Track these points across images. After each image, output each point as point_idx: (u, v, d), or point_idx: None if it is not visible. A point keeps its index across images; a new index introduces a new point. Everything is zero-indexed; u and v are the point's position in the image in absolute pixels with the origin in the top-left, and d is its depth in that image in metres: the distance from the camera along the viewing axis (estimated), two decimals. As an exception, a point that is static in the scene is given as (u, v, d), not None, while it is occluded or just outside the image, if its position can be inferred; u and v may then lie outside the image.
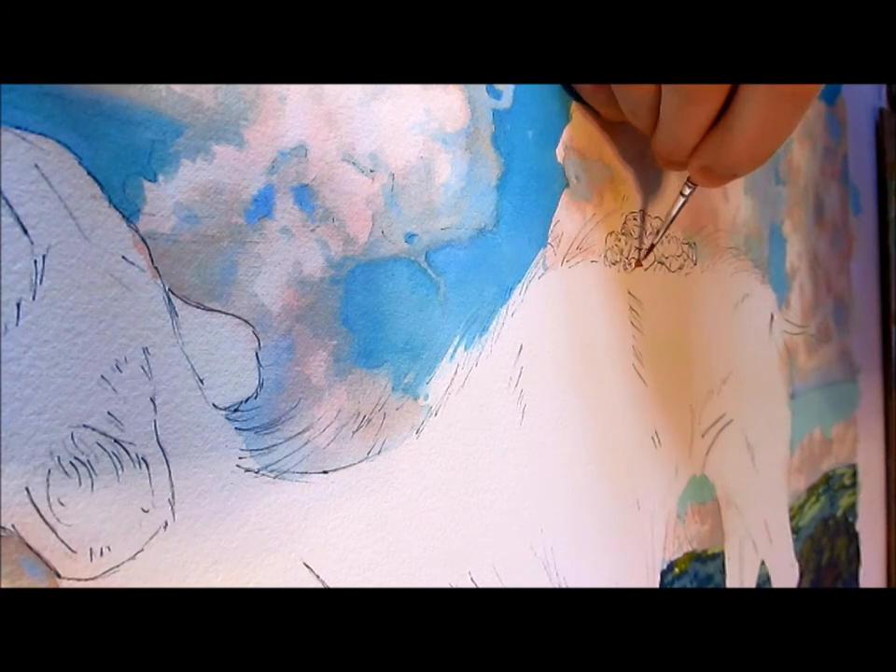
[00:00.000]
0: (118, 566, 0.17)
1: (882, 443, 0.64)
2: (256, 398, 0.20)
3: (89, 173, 0.17)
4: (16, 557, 0.16)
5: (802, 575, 0.49)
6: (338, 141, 0.22)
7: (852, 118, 0.59)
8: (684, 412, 0.38)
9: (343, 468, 0.22)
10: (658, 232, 0.34)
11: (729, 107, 0.27)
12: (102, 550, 0.17)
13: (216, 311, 0.19)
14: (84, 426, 0.17)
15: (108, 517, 0.17)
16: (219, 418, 0.19)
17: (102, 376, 0.17)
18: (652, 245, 0.34)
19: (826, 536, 0.54)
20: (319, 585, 0.21)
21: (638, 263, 0.34)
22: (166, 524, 0.18)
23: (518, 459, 0.28)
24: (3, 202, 0.16)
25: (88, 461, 0.17)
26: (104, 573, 0.17)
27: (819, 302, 0.53)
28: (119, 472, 0.17)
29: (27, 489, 0.16)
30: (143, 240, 0.18)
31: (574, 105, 0.31)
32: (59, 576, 0.16)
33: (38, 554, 0.16)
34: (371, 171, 0.23)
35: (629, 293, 0.34)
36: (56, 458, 0.16)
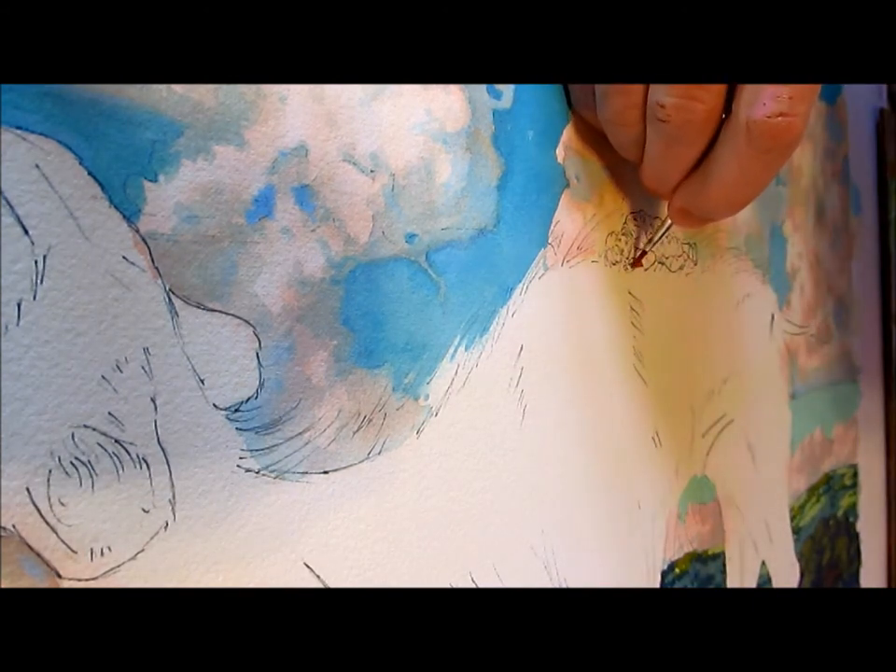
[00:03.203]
0: (118, 566, 0.17)
1: (882, 444, 0.64)
2: (256, 398, 0.20)
3: (89, 173, 0.17)
4: (16, 557, 0.16)
5: (802, 575, 0.49)
6: (338, 141, 0.22)
7: (853, 118, 0.59)
8: (685, 412, 0.38)
9: (344, 468, 0.22)
10: (651, 240, 0.34)
11: (709, 154, 0.27)
12: (102, 550, 0.17)
13: (216, 311, 0.19)
14: (85, 426, 0.17)
15: (109, 517, 0.17)
16: (220, 418, 0.19)
17: (102, 376, 0.17)
18: (644, 252, 0.34)
19: (827, 536, 0.54)
20: (320, 585, 0.21)
21: (638, 263, 0.34)
22: (167, 524, 0.18)
23: (518, 459, 0.28)
24: (3, 202, 0.16)
25: (88, 461, 0.17)
26: (104, 573, 0.17)
27: (820, 302, 0.53)
28: (120, 472, 0.17)
29: (28, 489, 0.16)
30: (143, 240, 0.18)
31: (574, 106, 0.31)
32: (59, 576, 0.16)
33: (39, 554, 0.16)
34: (372, 171, 0.23)
35: (629, 293, 0.34)
36: (57, 458, 0.16)
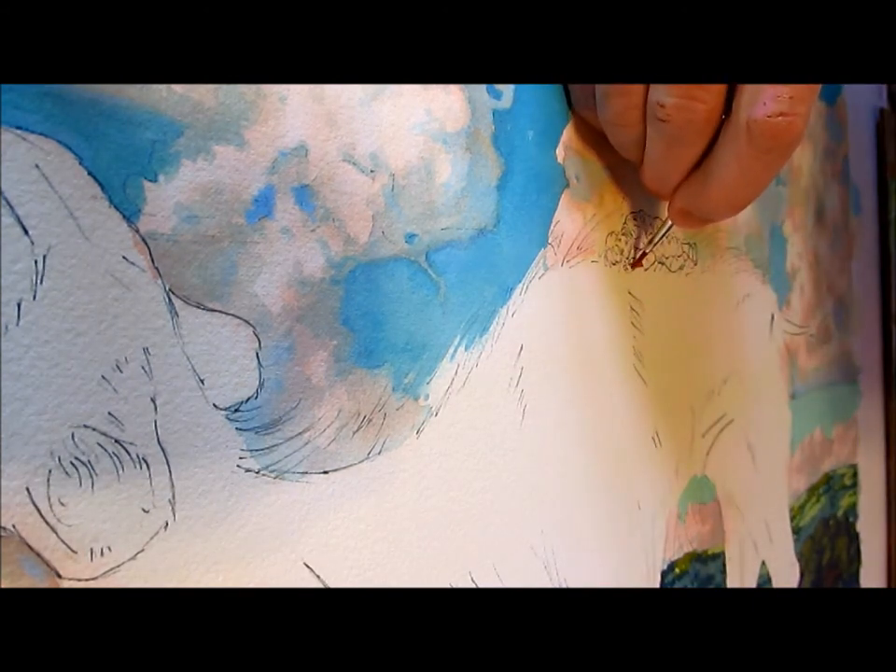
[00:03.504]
0: (118, 566, 0.17)
1: (882, 444, 0.64)
2: (256, 398, 0.20)
3: (89, 173, 0.17)
4: (16, 557, 0.16)
5: (802, 575, 0.49)
6: (338, 141, 0.22)
7: (853, 118, 0.59)
8: (685, 412, 0.38)
9: (344, 468, 0.22)
10: (651, 241, 0.34)
11: (710, 154, 0.27)
12: (102, 550, 0.17)
13: (216, 311, 0.19)
14: (85, 426, 0.17)
15: (109, 517, 0.17)
16: (220, 418, 0.19)
17: (102, 376, 0.17)
18: (644, 253, 0.34)
19: (826, 536, 0.54)
20: (319, 585, 0.21)
21: (638, 263, 0.34)
22: (167, 524, 0.18)
23: (518, 459, 0.28)
24: (3, 202, 0.16)
25: (88, 461, 0.17)
26: (104, 573, 0.17)
27: (820, 302, 0.53)
28: (120, 472, 0.17)
29: (28, 489, 0.16)
30: (143, 240, 0.18)
31: (574, 106, 0.31)
32: (59, 576, 0.16)
33: (39, 554, 0.16)
34: (372, 171, 0.23)
35: (629, 293, 0.34)
36: (57, 458, 0.16)
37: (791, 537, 0.48)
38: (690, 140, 0.27)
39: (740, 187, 0.27)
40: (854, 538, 0.59)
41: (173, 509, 0.18)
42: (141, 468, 0.18)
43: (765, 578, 0.45)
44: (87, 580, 0.17)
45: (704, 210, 0.29)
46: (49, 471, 0.16)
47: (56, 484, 0.16)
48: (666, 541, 0.36)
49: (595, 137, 0.31)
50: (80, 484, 0.17)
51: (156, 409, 0.18)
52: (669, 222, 0.32)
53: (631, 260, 0.34)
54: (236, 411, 0.20)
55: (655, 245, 0.34)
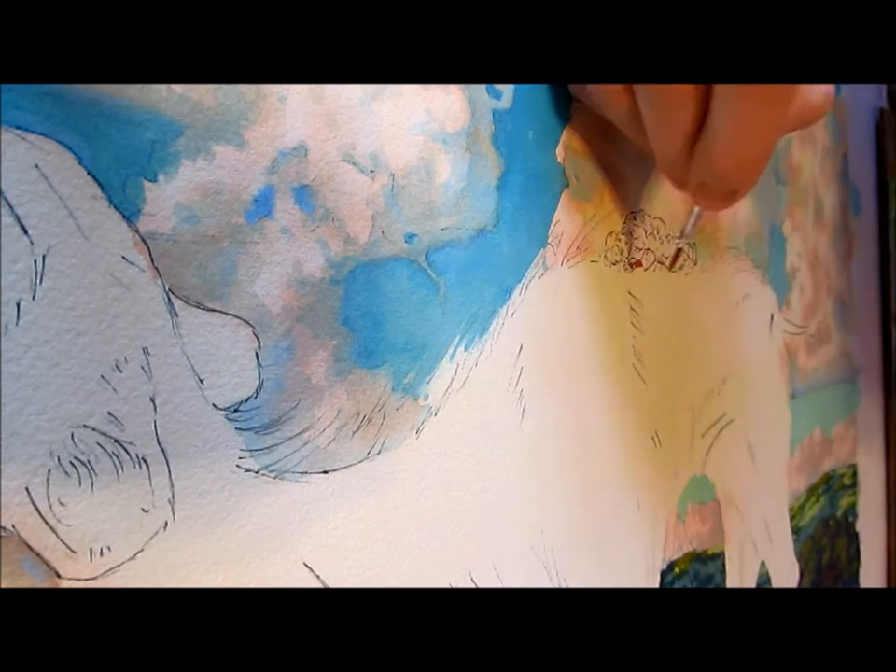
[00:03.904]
0: (118, 566, 0.17)
1: (882, 443, 0.64)
2: (256, 398, 0.20)
3: (89, 173, 0.17)
4: (16, 557, 0.16)
5: (802, 575, 0.49)
6: (338, 141, 0.22)
7: (852, 118, 0.59)
8: (684, 412, 0.38)
9: (344, 468, 0.22)
10: (682, 234, 0.34)
11: (706, 117, 0.26)
12: (102, 550, 0.17)
13: (216, 311, 0.19)
14: (84, 426, 0.17)
15: (108, 517, 0.17)
16: (219, 418, 0.19)
17: (102, 376, 0.17)
18: (679, 250, 0.34)
19: (826, 536, 0.54)
20: (319, 585, 0.21)
21: (638, 263, 0.34)
22: (166, 524, 0.18)
23: (518, 459, 0.28)
24: (3, 202, 0.16)
25: (88, 461, 0.17)
26: (104, 573, 0.17)
27: (819, 302, 0.53)
28: (120, 472, 0.17)
29: (27, 489, 0.16)
30: (143, 240, 0.18)
31: (574, 105, 0.31)
32: (59, 576, 0.16)
33: (38, 554, 0.16)
34: (372, 171, 0.23)
35: (629, 293, 0.34)
36: (56, 458, 0.16)
37: (790, 537, 0.48)
38: (676, 104, 0.26)
39: (744, 138, 0.26)
40: (854, 537, 0.59)
41: (172, 509, 0.18)
42: (141, 468, 0.18)
43: (765, 578, 0.45)
44: (86, 580, 0.17)
45: (718, 177, 0.28)
46: (49, 471, 0.16)
47: (56, 484, 0.16)
48: (666, 541, 0.36)
49: (595, 137, 0.31)
50: (80, 484, 0.17)
51: (155, 409, 0.18)
52: (696, 209, 0.31)
53: (632, 260, 0.34)
54: (236, 411, 0.20)
55: (688, 237, 0.33)
